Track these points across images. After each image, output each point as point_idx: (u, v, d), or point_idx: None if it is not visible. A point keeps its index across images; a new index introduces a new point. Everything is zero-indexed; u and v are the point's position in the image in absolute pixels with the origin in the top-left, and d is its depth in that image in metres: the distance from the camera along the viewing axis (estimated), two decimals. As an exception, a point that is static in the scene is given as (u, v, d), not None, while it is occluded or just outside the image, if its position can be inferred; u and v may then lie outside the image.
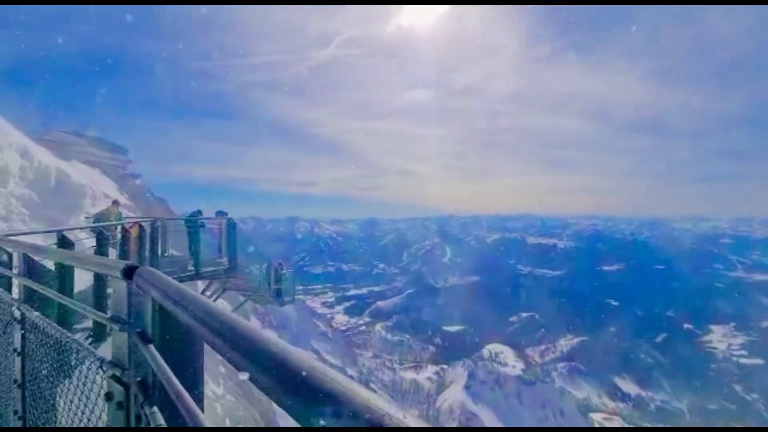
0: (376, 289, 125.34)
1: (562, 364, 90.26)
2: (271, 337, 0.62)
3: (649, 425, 78.51)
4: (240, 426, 22.48)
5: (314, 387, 0.48)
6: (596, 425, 77.66)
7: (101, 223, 8.49)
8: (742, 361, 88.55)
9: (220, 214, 11.16)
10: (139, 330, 1.22)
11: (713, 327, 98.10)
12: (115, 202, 11.57)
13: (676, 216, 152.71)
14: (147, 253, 8.35)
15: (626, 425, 78.47)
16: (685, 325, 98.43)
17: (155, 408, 1.09)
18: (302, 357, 0.54)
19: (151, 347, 1.14)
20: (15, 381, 2.35)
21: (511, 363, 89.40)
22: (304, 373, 0.51)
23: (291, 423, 0.48)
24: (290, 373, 0.52)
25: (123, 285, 1.26)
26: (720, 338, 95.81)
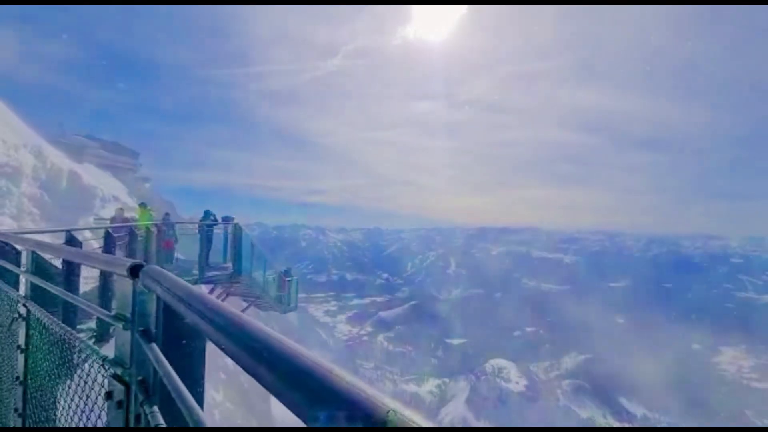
0: (378, 299, 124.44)
1: (566, 382, 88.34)
2: (277, 334, 0.62)
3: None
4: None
5: (320, 385, 0.48)
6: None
7: (111, 225, 8.60)
8: (754, 384, 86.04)
9: (226, 219, 11.22)
10: (142, 328, 1.21)
11: (723, 348, 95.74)
12: (145, 207, 11.92)
13: (685, 233, 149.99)
14: (153, 255, 8.41)
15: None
16: (694, 346, 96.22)
17: (155, 407, 1.08)
18: (308, 355, 0.54)
19: (154, 346, 1.13)
20: (17, 378, 2.35)
21: (514, 379, 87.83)
22: (310, 371, 0.51)
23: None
24: (296, 371, 0.52)
25: (128, 283, 1.26)
26: (730, 360, 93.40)
